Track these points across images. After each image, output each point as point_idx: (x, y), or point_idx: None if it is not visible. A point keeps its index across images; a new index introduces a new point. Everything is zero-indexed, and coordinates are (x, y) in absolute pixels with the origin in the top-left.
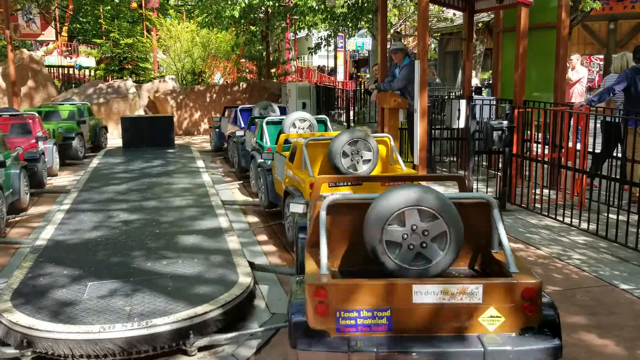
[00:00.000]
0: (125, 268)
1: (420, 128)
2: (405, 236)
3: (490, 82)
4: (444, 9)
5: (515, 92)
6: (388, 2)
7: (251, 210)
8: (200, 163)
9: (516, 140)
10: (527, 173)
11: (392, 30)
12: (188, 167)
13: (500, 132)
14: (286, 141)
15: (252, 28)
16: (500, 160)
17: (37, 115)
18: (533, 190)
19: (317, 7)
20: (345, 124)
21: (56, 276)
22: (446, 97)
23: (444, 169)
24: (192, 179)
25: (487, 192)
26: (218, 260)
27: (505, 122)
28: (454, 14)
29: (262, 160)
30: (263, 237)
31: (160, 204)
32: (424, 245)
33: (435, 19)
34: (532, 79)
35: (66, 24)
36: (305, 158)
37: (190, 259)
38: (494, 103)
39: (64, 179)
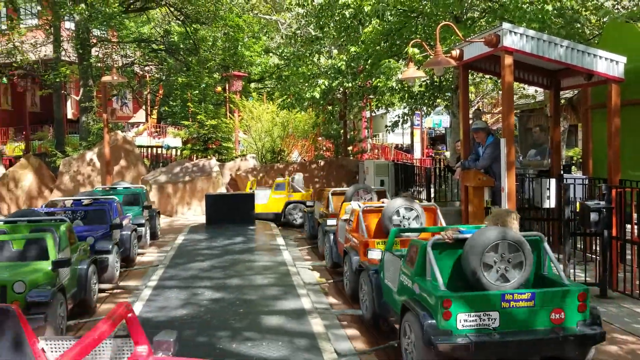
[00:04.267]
0: (212, 349)
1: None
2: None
3: (573, 159)
4: (526, 85)
5: (609, 170)
6: None
7: (350, 320)
8: (280, 240)
9: (615, 221)
10: (629, 257)
11: (472, 109)
12: (269, 244)
13: (597, 213)
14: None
15: (330, 108)
16: (599, 243)
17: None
18: (637, 276)
19: (396, 87)
20: (425, 201)
21: None
22: (533, 175)
23: None
24: (273, 257)
25: (585, 279)
26: (303, 345)
27: (602, 203)
28: (536, 91)
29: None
30: (345, 321)
31: (243, 282)
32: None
33: (516, 96)
34: (627, 157)
35: (156, 107)
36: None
37: (275, 341)
38: (587, 182)
39: (154, 252)
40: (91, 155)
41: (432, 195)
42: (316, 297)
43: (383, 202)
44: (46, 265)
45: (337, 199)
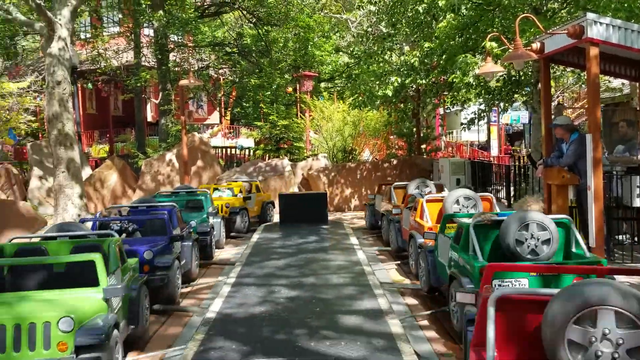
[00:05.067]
0: (290, 346)
1: (595, 208)
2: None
3: None
4: (611, 78)
5: None
6: None
7: (410, 292)
8: (353, 240)
9: None
10: None
11: (553, 103)
12: (342, 243)
13: None
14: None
15: (402, 105)
16: None
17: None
18: None
19: (473, 83)
20: (504, 201)
21: (226, 350)
22: (621, 172)
23: (624, 253)
24: (348, 256)
25: None
26: (381, 345)
27: None
28: (622, 83)
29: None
30: (425, 322)
31: (318, 281)
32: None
33: (600, 89)
34: None
35: (229, 109)
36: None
37: (353, 341)
38: None
39: (228, 251)
40: (170, 156)
41: (512, 194)
42: (393, 298)
43: (443, 193)
44: (96, 294)
45: (398, 192)
